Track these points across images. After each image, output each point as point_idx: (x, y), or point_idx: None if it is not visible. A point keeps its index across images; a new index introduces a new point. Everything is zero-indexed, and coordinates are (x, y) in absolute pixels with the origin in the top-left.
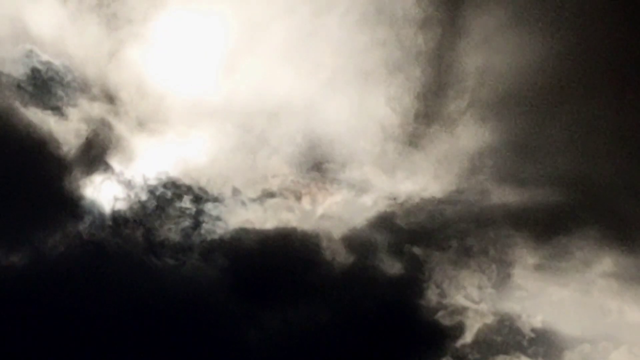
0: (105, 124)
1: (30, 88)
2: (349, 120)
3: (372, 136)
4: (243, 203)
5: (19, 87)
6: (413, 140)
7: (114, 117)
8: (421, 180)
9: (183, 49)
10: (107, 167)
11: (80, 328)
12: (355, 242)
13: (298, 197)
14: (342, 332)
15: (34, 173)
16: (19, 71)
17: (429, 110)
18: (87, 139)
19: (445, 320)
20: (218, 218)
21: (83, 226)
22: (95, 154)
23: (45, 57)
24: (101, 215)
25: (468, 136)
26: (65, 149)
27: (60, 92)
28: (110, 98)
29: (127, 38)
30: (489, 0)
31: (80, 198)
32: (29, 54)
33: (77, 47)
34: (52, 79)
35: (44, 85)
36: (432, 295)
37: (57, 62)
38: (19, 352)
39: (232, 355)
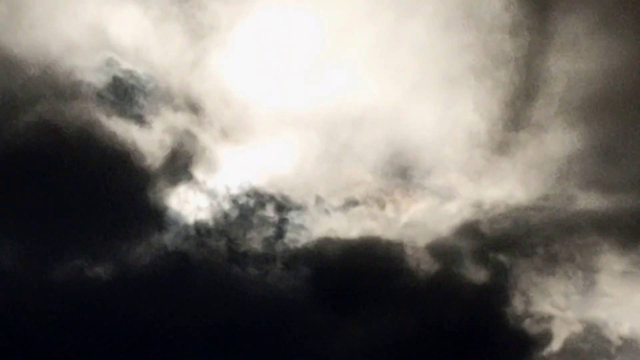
0: (189, 135)
1: (111, 97)
2: (435, 126)
3: (458, 143)
4: (326, 211)
5: (100, 96)
6: (500, 146)
7: (198, 127)
8: (507, 187)
9: (267, 56)
10: (190, 178)
11: (166, 339)
12: (440, 250)
13: (382, 205)
14: (428, 341)
15: (119, 184)
16: (100, 80)
17: (516, 117)
18: (171, 150)
19: (532, 329)
20: (301, 227)
21: (167, 237)
22: (179, 164)
23: (126, 65)
24: (185, 225)
25: (556, 142)
26: (149, 160)
27: (142, 101)
28: (194, 107)
29: (210, 46)
30: (577, 4)
31: (165, 209)
32: (110, 61)
33: (159, 55)
34: (133, 87)
35: (125, 94)
36: (518, 303)
37: (138, 70)
38: None
39: None
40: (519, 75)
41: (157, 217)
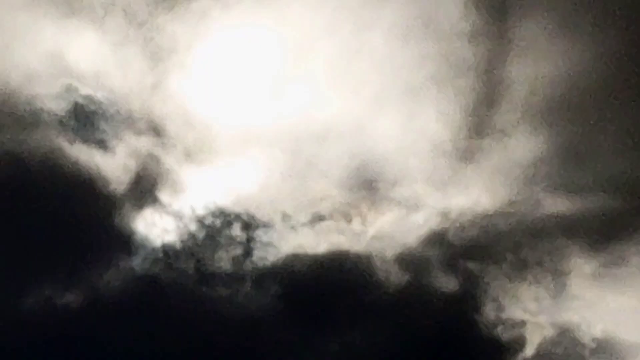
0: (152, 158)
1: (73, 123)
2: (398, 137)
3: (422, 153)
4: (293, 228)
5: (61, 123)
6: (464, 154)
7: (161, 150)
8: (473, 194)
9: (227, 76)
10: (156, 201)
11: None
12: (409, 261)
13: (349, 219)
14: (402, 352)
15: (84, 211)
16: (60, 107)
17: (480, 124)
18: (135, 174)
19: (505, 335)
20: (269, 244)
21: (136, 261)
22: (144, 188)
23: (86, 91)
24: (153, 249)
25: (520, 147)
26: (114, 185)
27: (104, 126)
28: (156, 130)
29: (170, 68)
30: (535, 10)
31: (132, 233)
32: (69, 88)
33: (119, 79)
34: (94, 112)
35: (87, 120)
36: (489, 310)
37: (99, 96)
38: None
39: None
40: (480, 83)
41: (125, 242)
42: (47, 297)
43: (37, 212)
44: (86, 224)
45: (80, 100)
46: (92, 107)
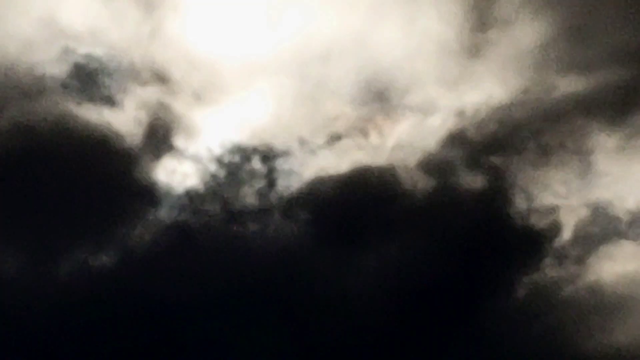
0: (162, 106)
1: (76, 84)
2: (403, 44)
3: (429, 55)
4: (312, 151)
5: (64, 86)
6: (471, 50)
7: (170, 97)
8: (486, 89)
9: (223, 11)
10: (172, 148)
11: (182, 311)
12: (432, 166)
13: (365, 134)
14: (439, 256)
15: (103, 170)
16: (61, 70)
17: (482, 17)
18: (148, 125)
19: (539, 223)
20: (291, 172)
21: (162, 211)
22: (158, 137)
23: (84, 50)
24: (177, 196)
25: (525, 34)
26: (128, 140)
27: (108, 82)
28: (161, 78)
29: (165, 13)
30: None
31: (154, 184)
32: (67, 50)
33: (115, 33)
34: (96, 70)
35: (89, 79)
36: (520, 201)
37: (98, 52)
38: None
39: (338, 303)
40: None
41: (149, 194)
42: (82, 260)
43: (56, 178)
44: (107, 183)
45: (80, 60)
46: (93, 65)
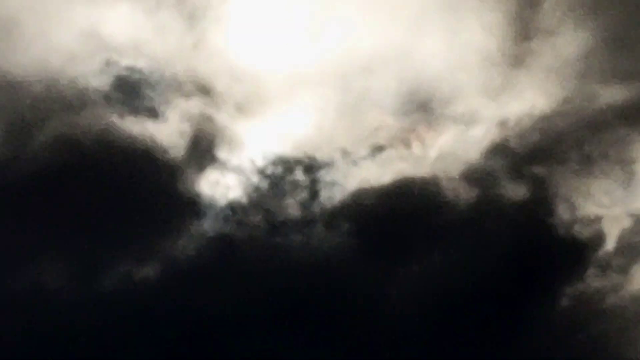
0: (205, 118)
1: (119, 96)
2: (445, 54)
3: (471, 66)
4: (355, 163)
5: (107, 98)
6: (514, 60)
7: (213, 108)
8: (528, 99)
9: (265, 23)
10: (215, 160)
11: (227, 325)
12: (475, 176)
13: (408, 145)
14: (482, 266)
15: (147, 183)
16: (104, 82)
17: (525, 27)
18: (191, 136)
19: (583, 233)
20: (333, 183)
21: (206, 223)
22: (202, 149)
23: (126, 62)
24: (220, 208)
25: (568, 43)
26: (171, 152)
27: (151, 94)
28: (204, 90)
29: (208, 25)
30: None
31: (197, 196)
32: (109, 62)
33: (158, 45)
34: (139, 82)
35: (132, 91)
36: (563, 211)
37: (140, 65)
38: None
39: (382, 315)
40: None
41: (192, 206)
42: (126, 273)
43: (100, 191)
44: (151, 195)
45: (123, 72)
46: (136, 77)
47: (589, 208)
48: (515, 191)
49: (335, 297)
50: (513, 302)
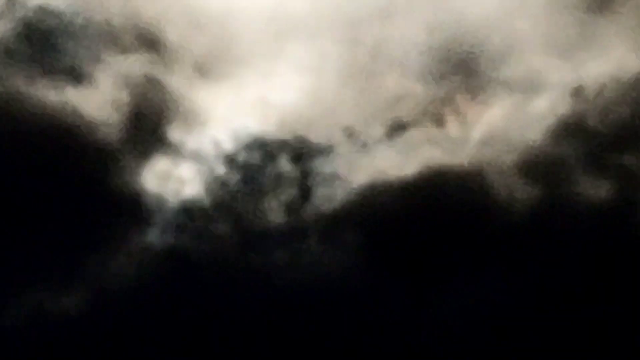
0: (151, 82)
1: (27, 50)
2: None
3: (535, 9)
4: (365, 147)
5: (10, 53)
6: (596, 2)
7: (162, 69)
8: (615, 56)
9: None
10: (165, 142)
11: None
12: (537, 167)
13: (441, 122)
14: (547, 291)
15: (67, 176)
16: (5, 30)
17: None
18: (130, 109)
19: None
20: (334, 176)
21: (152, 233)
22: (146, 127)
23: (36, 0)
24: (172, 211)
25: None
26: (103, 130)
27: (72, 47)
28: (150, 42)
29: None
30: None
31: (139, 194)
32: (12, 1)
33: None
34: (54, 30)
35: (46, 43)
36: None
37: (57, 4)
38: None
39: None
40: None
41: (132, 209)
42: (36, 304)
43: (4, 188)
44: (73, 193)
45: (31, 15)
46: (51, 23)
47: None
48: (595, 189)
49: (337, 337)
50: (594, 338)
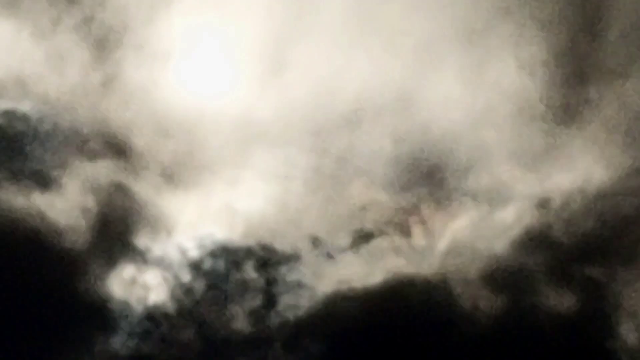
0: (118, 189)
1: None
2: (464, 103)
3: (501, 120)
4: (330, 256)
5: None
6: (564, 114)
7: (129, 175)
8: (582, 168)
9: (207, 55)
10: (131, 249)
11: None
12: (502, 277)
13: (406, 231)
14: None
15: (32, 282)
16: None
17: (581, 66)
18: (96, 216)
19: None
20: (299, 285)
21: (117, 340)
22: (112, 235)
23: (4, 105)
24: (137, 318)
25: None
26: (68, 237)
27: (38, 152)
28: (117, 148)
29: (124, 55)
30: None
31: (104, 302)
32: None
33: (52, 81)
34: (21, 134)
35: (11, 146)
36: (627, 331)
37: (24, 108)
38: None
39: None
40: (575, 7)
41: (97, 316)
42: None
43: None
44: (36, 300)
45: None
46: (17, 127)
47: None
48: (560, 300)
49: None
50: None
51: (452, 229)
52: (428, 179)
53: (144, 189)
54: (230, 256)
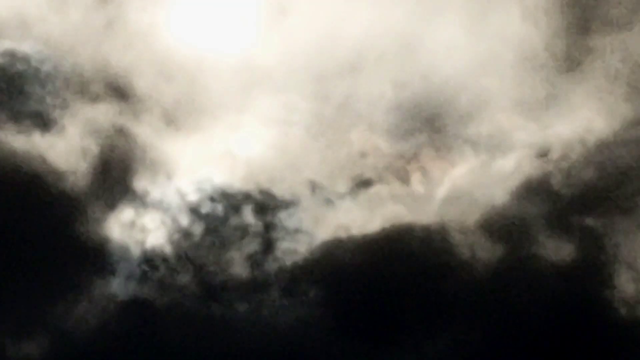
0: (118, 131)
1: None
2: (467, 50)
3: (504, 68)
4: (329, 202)
5: None
6: (566, 63)
7: (130, 118)
8: (582, 118)
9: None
10: (131, 192)
11: None
12: (500, 227)
13: (406, 179)
14: (508, 355)
15: (32, 224)
16: None
17: (585, 15)
18: (97, 158)
19: None
20: (297, 230)
21: (115, 283)
22: (112, 177)
23: (5, 45)
24: (136, 261)
25: None
26: (69, 179)
27: (40, 93)
28: (119, 91)
29: None
30: None
31: (103, 244)
32: None
33: (54, 22)
34: (22, 75)
35: (12, 87)
36: (625, 282)
37: (25, 49)
38: None
39: None
40: None
41: (96, 258)
42: None
43: None
44: (36, 241)
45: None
46: (18, 68)
47: None
48: (558, 250)
49: None
50: None
51: (452, 177)
52: (428, 126)
53: (144, 132)
54: (229, 201)
